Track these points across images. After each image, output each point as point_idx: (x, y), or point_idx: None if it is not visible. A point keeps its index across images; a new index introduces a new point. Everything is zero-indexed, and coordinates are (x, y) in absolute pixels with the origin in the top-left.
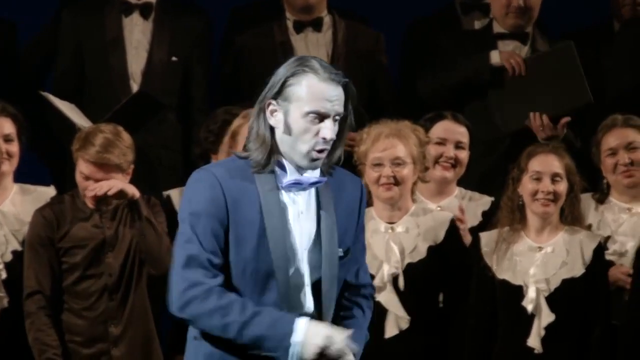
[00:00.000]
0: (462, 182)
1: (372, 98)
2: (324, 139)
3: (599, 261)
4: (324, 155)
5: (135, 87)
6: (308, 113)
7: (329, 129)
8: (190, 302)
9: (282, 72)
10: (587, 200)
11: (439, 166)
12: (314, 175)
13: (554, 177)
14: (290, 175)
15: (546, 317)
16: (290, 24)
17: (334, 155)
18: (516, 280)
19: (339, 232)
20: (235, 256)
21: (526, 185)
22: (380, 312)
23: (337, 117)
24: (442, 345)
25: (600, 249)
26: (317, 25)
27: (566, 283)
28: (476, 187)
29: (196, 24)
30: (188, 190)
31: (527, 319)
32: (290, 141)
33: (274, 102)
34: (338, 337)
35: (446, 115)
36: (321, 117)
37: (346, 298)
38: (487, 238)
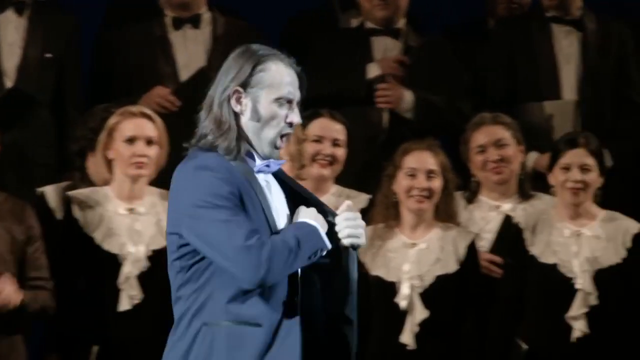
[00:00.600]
0: (341, 180)
1: None
2: (290, 123)
3: (472, 257)
4: (284, 143)
5: (9, 83)
6: (278, 98)
7: (296, 114)
8: (269, 260)
9: (240, 62)
10: (457, 198)
11: (315, 164)
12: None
13: (429, 174)
14: (258, 159)
15: (420, 313)
16: (168, 21)
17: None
18: (390, 277)
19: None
20: None
21: (401, 182)
22: None
23: (299, 102)
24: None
25: (474, 245)
26: (195, 21)
27: (440, 279)
28: (354, 184)
29: (69, 20)
30: (200, 179)
31: (401, 315)
32: (257, 127)
33: (240, 89)
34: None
35: (323, 113)
36: (289, 102)
37: None
38: None
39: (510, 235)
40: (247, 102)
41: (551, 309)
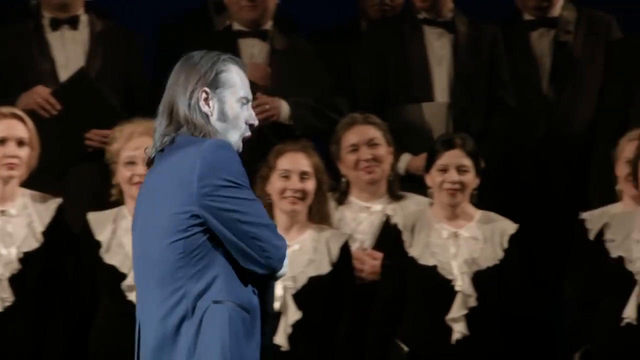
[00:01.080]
0: None
1: (127, 97)
2: (251, 124)
3: (345, 259)
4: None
5: None
6: (241, 98)
7: (254, 115)
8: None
9: (204, 64)
10: (330, 200)
11: None
12: None
13: (302, 175)
14: None
15: (293, 314)
16: (46, 21)
17: None
18: None
19: None
20: None
21: (274, 184)
22: None
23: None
24: None
25: (347, 246)
26: (73, 22)
27: (313, 281)
28: None
29: None
30: (226, 160)
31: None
32: (224, 128)
33: (207, 89)
34: None
35: None
36: (247, 102)
37: None
38: None
39: (389, 236)
40: (214, 103)
41: (431, 310)
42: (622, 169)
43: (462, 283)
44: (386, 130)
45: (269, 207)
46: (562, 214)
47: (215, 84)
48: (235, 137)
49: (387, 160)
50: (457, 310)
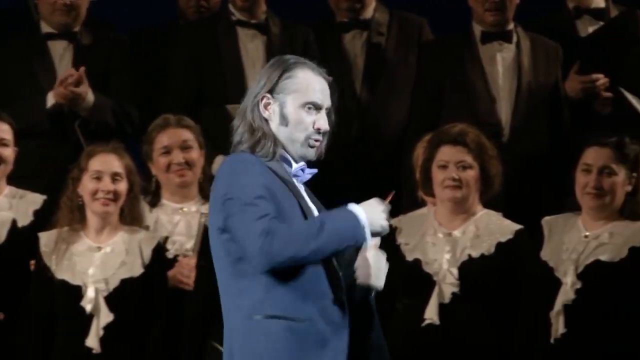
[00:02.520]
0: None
1: None
2: (318, 129)
3: (158, 261)
4: (318, 144)
5: None
6: (305, 104)
7: (324, 120)
8: (269, 233)
9: (270, 70)
10: (142, 201)
11: None
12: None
13: (114, 177)
14: (294, 163)
15: (105, 316)
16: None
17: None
18: (75, 281)
19: None
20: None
21: (86, 185)
22: None
23: (328, 111)
24: None
25: (160, 248)
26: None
27: (125, 283)
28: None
29: None
30: (239, 174)
31: (87, 319)
32: (287, 132)
33: (268, 95)
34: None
35: None
36: (316, 108)
37: None
38: (46, 238)
39: (206, 237)
40: (274, 107)
41: None
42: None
43: None
44: (199, 133)
45: (81, 208)
46: None
47: (276, 89)
48: (300, 137)
49: (199, 163)
50: None
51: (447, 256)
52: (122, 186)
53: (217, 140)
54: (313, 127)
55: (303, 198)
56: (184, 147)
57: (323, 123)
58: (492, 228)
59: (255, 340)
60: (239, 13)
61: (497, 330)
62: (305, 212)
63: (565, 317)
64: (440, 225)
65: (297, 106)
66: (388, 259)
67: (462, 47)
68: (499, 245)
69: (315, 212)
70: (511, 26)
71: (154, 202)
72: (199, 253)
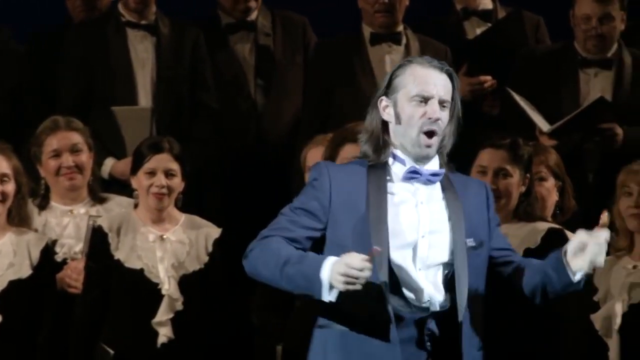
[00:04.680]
0: None
1: None
2: (429, 118)
3: (46, 263)
4: (433, 140)
5: None
6: (413, 97)
7: (433, 109)
8: (252, 251)
9: (389, 73)
10: (30, 203)
11: None
12: (432, 167)
13: (2, 178)
14: (409, 165)
15: None
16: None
17: (445, 147)
18: None
19: (468, 224)
20: (332, 236)
21: None
22: None
23: (444, 103)
24: None
25: (48, 249)
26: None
27: (13, 284)
28: None
29: None
30: (305, 187)
31: None
32: (402, 130)
33: (384, 97)
34: (354, 261)
35: None
36: (425, 99)
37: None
38: None
39: (95, 239)
40: (390, 108)
41: (137, 314)
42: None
43: (168, 287)
44: (88, 135)
45: None
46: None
47: (389, 91)
48: (412, 134)
49: (88, 166)
50: (163, 314)
51: None
52: (10, 187)
53: (106, 142)
54: (424, 117)
55: (383, 209)
56: (74, 150)
57: (432, 112)
58: None
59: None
60: (129, 14)
61: None
62: (371, 225)
63: None
64: None
65: (406, 101)
66: None
67: (352, 49)
68: None
69: (409, 220)
70: (400, 28)
71: (43, 205)
72: (88, 255)
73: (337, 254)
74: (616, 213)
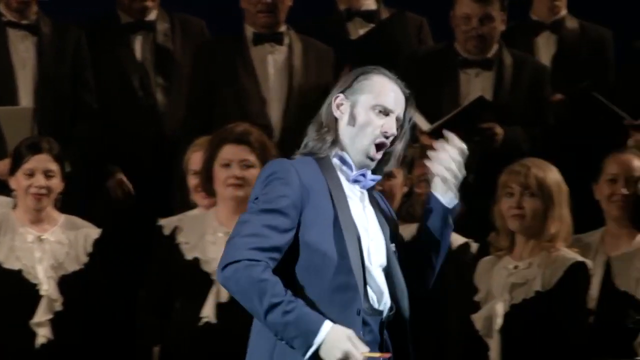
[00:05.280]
0: None
1: None
2: (385, 133)
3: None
4: (379, 154)
5: None
6: (375, 105)
7: (390, 125)
8: (231, 264)
9: (350, 74)
10: None
11: None
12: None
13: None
14: (356, 169)
15: None
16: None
17: (389, 161)
18: None
19: (389, 231)
20: (305, 238)
21: None
22: None
23: (399, 120)
24: None
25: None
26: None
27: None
28: None
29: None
30: (266, 183)
31: None
32: (353, 133)
33: (342, 95)
34: (356, 354)
35: None
36: (386, 112)
37: None
38: None
39: None
40: (346, 107)
41: (15, 314)
42: (191, 181)
43: (47, 287)
44: None
45: None
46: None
47: (350, 90)
48: (364, 143)
49: None
50: (41, 315)
51: None
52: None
53: None
54: (380, 130)
55: (346, 206)
56: None
57: (389, 127)
58: None
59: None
60: (10, 14)
61: None
62: (341, 221)
63: None
64: (221, 224)
65: (367, 107)
66: (166, 259)
67: (234, 49)
68: None
69: (364, 222)
70: (283, 28)
71: None
72: None
73: (314, 260)
74: (497, 213)
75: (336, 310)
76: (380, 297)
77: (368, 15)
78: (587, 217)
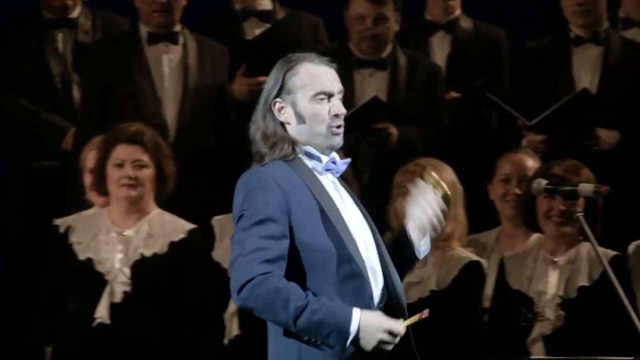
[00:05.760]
0: None
1: None
2: (336, 115)
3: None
4: (341, 131)
5: None
6: (315, 95)
7: (337, 104)
8: (247, 284)
9: (276, 73)
10: None
11: None
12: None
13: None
14: (324, 159)
15: None
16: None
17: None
18: None
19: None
20: (300, 239)
21: None
22: None
23: (340, 95)
24: None
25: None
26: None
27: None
28: None
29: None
30: (246, 196)
31: None
32: (307, 129)
33: (278, 99)
34: (398, 327)
35: None
36: (327, 96)
37: None
38: None
39: None
40: (288, 109)
41: None
42: (87, 179)
43: None
44: None
45: None
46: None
47: (284, 91)
48: (322, 129)
49: None
50: None
51: (120, 255)
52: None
53: None
54: (329, 115)
55: (329, 198)
56: None
57: (338, 107)
58: (165, 227)
59: None
60: None
61: (167, 328)
62: (328, 214)
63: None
64: (114, 224)
65: (308, 100)
66: (60, 258)
67: (129, 48)
68: (172, 244)
69: (346, 210)
70: (178, 28)
71: None
72: None
73: (315, 257)
74: (393, 213)
75: (350, 299)
76: (376, 281)
77: (264, 15)
78: (483, 216)
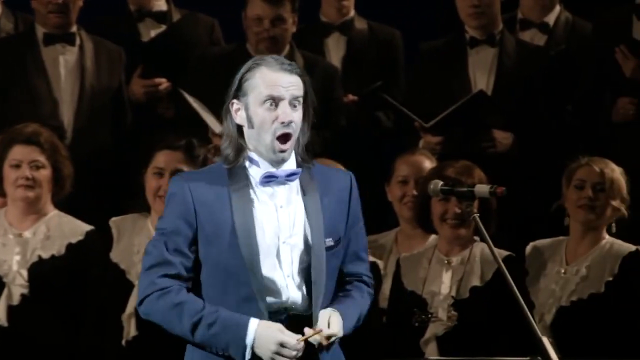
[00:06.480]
0: None
1: None
2: (282, 122)
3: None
4: (288, 144)
5: None
6: (264, 100)
7: (285, 112)
8: (146, 298)
9: (238, 73)
10: None
11: None
12: (289, 167)
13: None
14: (264, 169)
15: None
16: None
17: (301, 143)
18: None
19: (328, 223)
20: (206, 255)
21: None
22: None
23: (296, 103)
24: None
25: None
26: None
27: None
28: None
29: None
30: (166, 204)
31: None
32: (255, 134)
33: (235, 100)
34: (291, 341)
35: None
36: (276, 101)
37: (347, 282)
38: None
39: None
40: (241, 112)
41: None
42: None
43: None
44: None
45: None
46: None
47: (240, 94)
48: (267, 140)
49: None
50: None
51: (17, 257)
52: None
53: None
54: (276, 122)
55: (249, 213)
56: None
57: (284, 115)
58: (63, 229)
59: None
60: None
61: (66, 330)
62: (238, 232)
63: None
64: (11, 225)
65: (257, 105)
66: None
67: (25, 49)
68: (70, 246)
69: (271, 224)
70: (74, 29)
71: None
72: None
73: (218, 275)
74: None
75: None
76: (285, 302)
77: (159, 16)
78: (382, 218)
